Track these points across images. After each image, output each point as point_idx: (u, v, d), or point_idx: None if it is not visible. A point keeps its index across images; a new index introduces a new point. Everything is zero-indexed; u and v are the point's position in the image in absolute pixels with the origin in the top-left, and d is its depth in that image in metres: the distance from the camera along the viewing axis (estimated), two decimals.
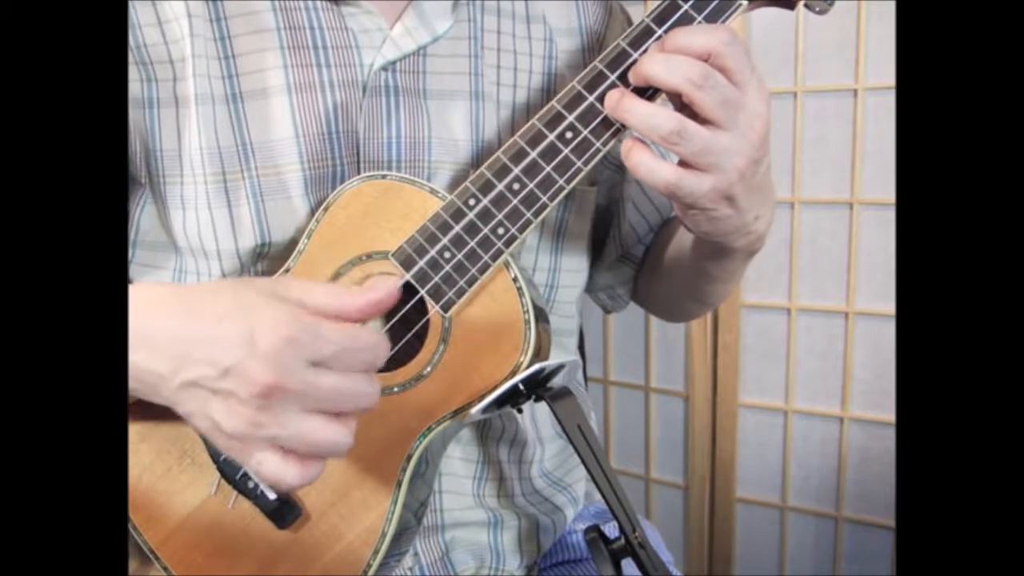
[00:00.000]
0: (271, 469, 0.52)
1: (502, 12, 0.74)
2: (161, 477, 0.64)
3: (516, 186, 0.61)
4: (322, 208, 0.65)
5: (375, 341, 0.53)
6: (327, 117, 0.67)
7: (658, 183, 0.58)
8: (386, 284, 0.55)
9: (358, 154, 0.68)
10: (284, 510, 0.62)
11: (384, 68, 0.68)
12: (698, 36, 0.57)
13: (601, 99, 0.60)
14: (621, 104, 0.59)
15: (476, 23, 0.72)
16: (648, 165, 0.59)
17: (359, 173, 0.67)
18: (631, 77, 0.59)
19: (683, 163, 0.58)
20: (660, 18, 0.60)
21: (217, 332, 0.51)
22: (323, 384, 0.51)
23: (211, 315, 0.52)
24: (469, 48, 0.72)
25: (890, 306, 1.43)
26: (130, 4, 0.65)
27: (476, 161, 0.71)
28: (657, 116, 0.57)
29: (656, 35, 0.60)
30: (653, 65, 0.57)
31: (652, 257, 0.85)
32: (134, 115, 0.66)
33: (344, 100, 0.67)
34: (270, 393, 0.49)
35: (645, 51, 0.60)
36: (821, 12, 0.64)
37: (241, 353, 0.50)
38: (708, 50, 0.56)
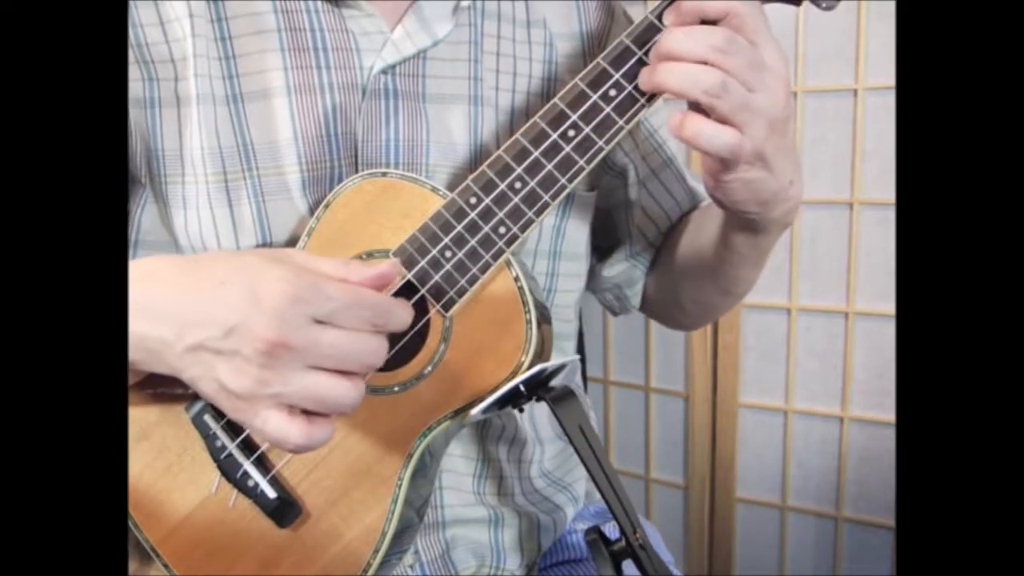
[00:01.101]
0: (275, 427, 0.52)
1: (502, 16, 0.74)
2: (162, 475, 0.64)
3: (518, 184, 0.61)
4: (323, 206, 0.65)
5: (378, 300, 0.53)
6: (326, 119, 0.67)
7: (722, 148, 0.58)
8: (387, 262, 0.56)
9: (356, 156, 0.68)
10: (284, 509, 0.62)
11: (384, 71, 0.68)
12: (712, 2, 0.57)
13: (604, 97, 0.60)
14: (658, 70, 0.58)
15: (476, 27, 0.72)
16: (708, 131, 0.57)
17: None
18: (653, 57, 0.59)
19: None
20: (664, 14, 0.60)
21: (220, 293, 0.51)
22: (326, 340, 0.51)
23: (213, 278, 0.52)
24: (469, 52, 0.72)
25: (890, 306, 1.43)
26: (132, 3, 0.65)
27: (474, 165, 0.71)
28: (699, 71, 0.56)
29: (662, 31, 0.59)
30: (675, 39, 0.57)
31: (665, 258, 0.84)
32: (135, 114, 0.66)
33: (343, 102, 0.67)
34: (274, 350, 0.50)
35: (649, 48, 0.59)
36: (828, 8, 0.64)
37: (245, 311, 0.50)
38: (726, 10, 0.56)
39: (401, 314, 0.55)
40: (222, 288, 0.52)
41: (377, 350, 0.53)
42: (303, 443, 0.52)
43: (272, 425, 0.52)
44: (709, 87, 0.56)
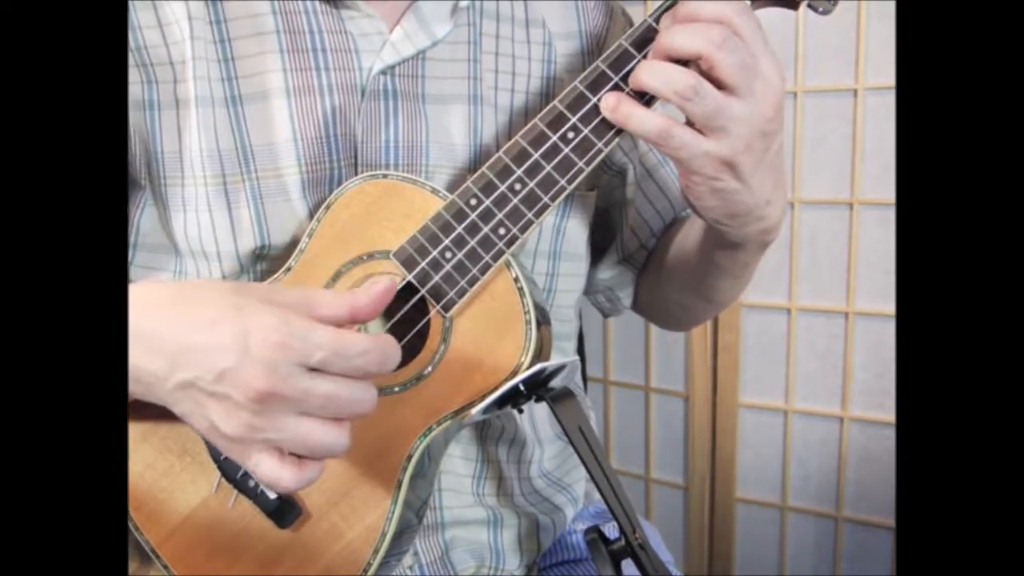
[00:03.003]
0: (268, 471, 0.52)
1: (501, 16, 0.74)
2: (162, 475, 0.64)
3: (517, 186, 0.61)
4: (324, 207, 0.65)
5: (369, 345, 0.52)
6: (325, 120, 0.67)
7: (649, 131, 0.58)
8: (384, 283, 0.55)
9: (356, 157, 0.68)
10: (285, 509, 0.62)
11: (383, 72, 0.68)
12: (710, 5, 0.57)
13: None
14: (641, 67, 0.59)
15: (475, 27, 0.73)
16: (638, 115, 0.59)
17: (357, 176, 0.67)
18: (651, 53, 0.60)
19: (690, 125, 0.58)
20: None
21: (211, 335, 0.51)
22: (317, 390, 0.51)
23: (205, 318, 0.52)
24: (468, 52, 0.72)
25: (890, 306, 1.43)
26: (131, 6, 0.65)
27: (474, 165, 0.71)
28: (675, 72, 0.57)
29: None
30: (673, 36, 0.58)
31: (656, 259, 0.85)
32: (135, 117, 0.66)
33: (342, 104, 0.67)
34: (265, 399, 0.50)
35: (647, 51, 0.60)
36: (824, 12, 0.64)
37: (235, 358, 0.50)
38: (720, 18, 0.57)
39: (394, 355, 0.54)
40: (214, 329, 0.51)
41: (369, 399, 0.53)
42: (295, 486, 0.52)
43: (264, 469, 0.52)
44: (681, 89, 0.56)
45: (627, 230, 0.84)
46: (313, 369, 0.51)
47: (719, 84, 0.57)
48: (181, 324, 0.53)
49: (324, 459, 0.54)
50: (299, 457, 0.53)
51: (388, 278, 0.57)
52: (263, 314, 0.51)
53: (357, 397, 0.52)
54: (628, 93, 0.60)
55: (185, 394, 0.52)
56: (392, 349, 0.53)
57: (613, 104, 0.60)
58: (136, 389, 0.55)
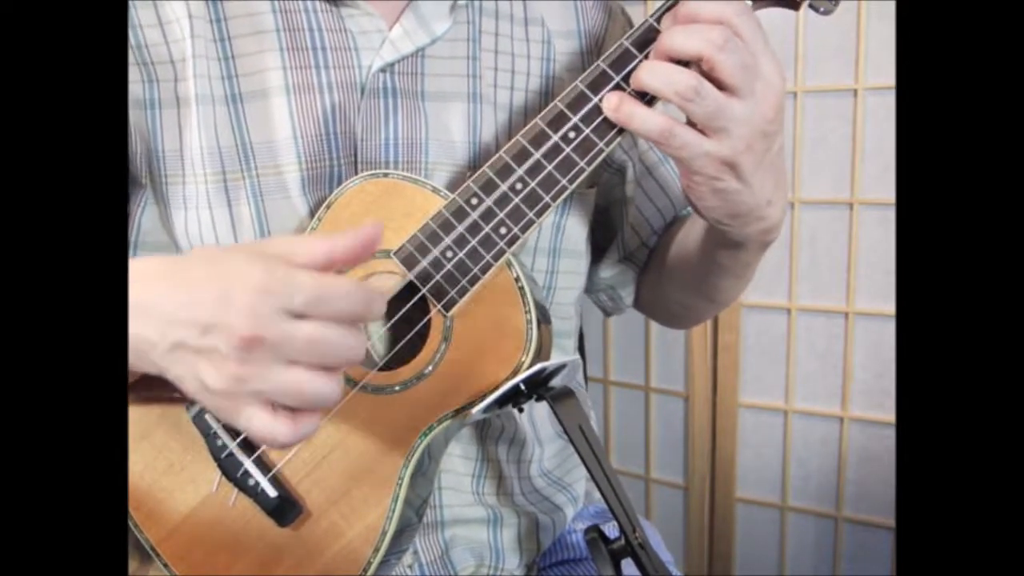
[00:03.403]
0: (261, 426, 0.51)
1: (500, 14, 0.74)
2: (163, 474, 0.64)
3: (519, 186, 0.61)
4: (324, 206, 0.65)
5: (350, 288, 0.51)
6: (325, 118, 0.67)
7: (651, 131, 0.59)
8: (368, 227, 0.54)
9: (356, 155, 0.68)
10: (285, 508, 0.62)
11: (382, 70, 0.68)
12: (710, 6, 0.57)
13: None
14: (643, 69, 0.59)
15: (474, 25, 0.73)
16: (640, 115, 0.59)
17: (356, 174, 0.67)
18: (652, 53, 0.60)
19: (691, 125, 0.59)
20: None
21: (197, 293, 0.51)
22: (302, 334, 0.50)
23: (192, 278, 0.52)
24: (467, 50, 0.72)
25: (890, 306, 1.43)
26: (131, 5, 0.65)
27: (473, 163, 0.71)
28: (675, 72, 0.57)
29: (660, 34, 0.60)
30: (673, 36, 0.58)
31: (657, 258, 0.85)
32: (136, 116, 0.66)
33: (342, 101, 0.67)
34: (250, 345, 0.49)
35: (648, 51, 0.60)
36: (826, 12, 0.64)
37: (219, 309, 0.50)
38: (720, 19, 0.57)
39: (378, 302, 0.53)
40: (199, 288, 0.51)
41: (356, 345, 0.52)
42: (290, 440, 0.52)
43: (257, 423, 0.51)
44: (682, 90, 0.57)
45: (628, 228, 0.84)
46: (296, 314, 0.50)
47: (720, 85, 0.57)
48: (170, 288, 0.53)
49: (318, 411, 0.53)
50: (292, 411, 0.52)
51: (374, 224, 0.56)
52: (243, 264, 0.51)
53: (343, 342, 0.51)
54: (629, 93, 0.60)
55: (176, 356, 0.52)
56: (378, 296, 0.53)
57: (615, 104, 0.60)
58: (130, 359, 0.55)
